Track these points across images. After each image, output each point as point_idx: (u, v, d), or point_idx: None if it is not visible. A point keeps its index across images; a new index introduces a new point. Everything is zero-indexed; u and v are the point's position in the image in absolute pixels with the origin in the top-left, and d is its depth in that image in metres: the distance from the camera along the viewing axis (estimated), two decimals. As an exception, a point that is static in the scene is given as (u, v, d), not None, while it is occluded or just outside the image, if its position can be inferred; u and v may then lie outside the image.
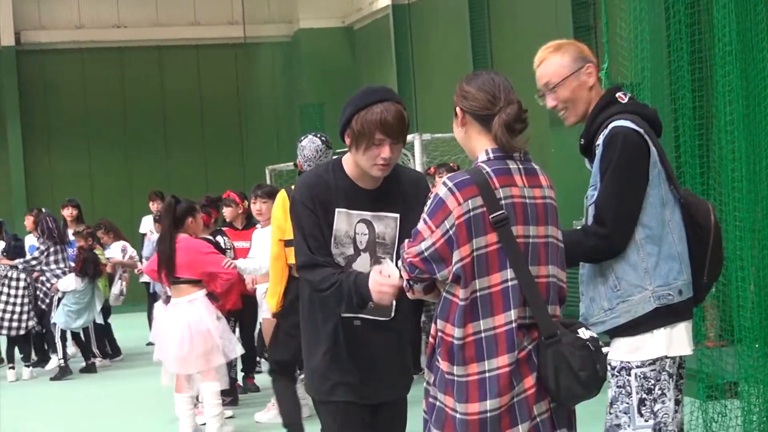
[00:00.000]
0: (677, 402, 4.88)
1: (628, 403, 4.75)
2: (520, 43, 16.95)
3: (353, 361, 4.99)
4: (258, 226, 11.04)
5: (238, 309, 11.44)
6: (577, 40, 5.48)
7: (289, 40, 25.12)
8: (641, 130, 4.73)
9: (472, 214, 4.17)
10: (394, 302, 4.90)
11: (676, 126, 9.03)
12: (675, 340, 4.75)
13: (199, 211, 10.11)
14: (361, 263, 4.93)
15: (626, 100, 4.89)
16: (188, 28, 25.13)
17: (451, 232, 4.18)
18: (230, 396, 11.17)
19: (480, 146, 4.34)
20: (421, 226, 4.26)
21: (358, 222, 4.93)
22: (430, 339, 4.37)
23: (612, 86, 5.02)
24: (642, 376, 4.73)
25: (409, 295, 4.40)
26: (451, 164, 12.50)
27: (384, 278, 4.62)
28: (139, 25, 24.98)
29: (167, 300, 9.99)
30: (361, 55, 23.95)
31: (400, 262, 4.36)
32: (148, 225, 17.62)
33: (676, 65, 9.32)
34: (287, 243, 8.16)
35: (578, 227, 5.03)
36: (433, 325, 4.33)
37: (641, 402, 4.73)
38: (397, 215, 4.96)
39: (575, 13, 15.22)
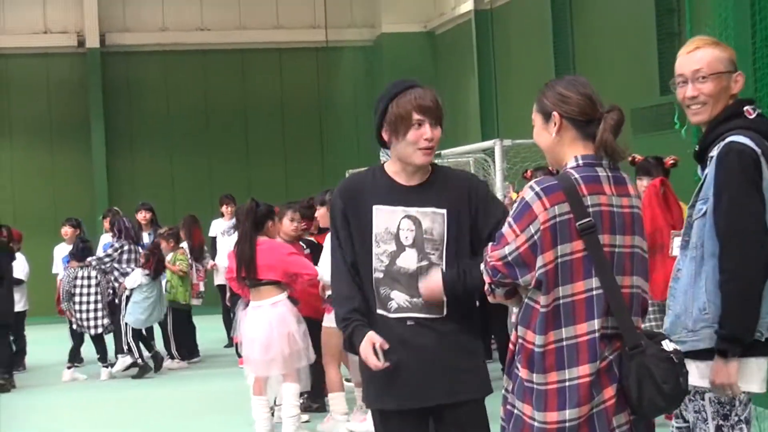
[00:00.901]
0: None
1: (705, 430, 4.60)
2: (603, 50, 16.85)
3: (401, 364, 4.78)
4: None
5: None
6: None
7: (371, 45, 25.16)
8: (758, 150, 4.49)
9: (558, 220, 4.13)
10: (445, 298, 4.80)
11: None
12: (745, 375, 4.52)
13: (277, 215, 10.13)
14: (406, 259, 4.83)
15: (753, 115, 4.64)
16: (271, 31, 25.22)
17: (535, 237, 4.14)
18: (317, 403, 11.18)
19: (571, 152, 4.29)
20: (505, 229, 4.22)
21: (403, 218, 4.85)
22: (510, 346, 4.33)
23: (743, 98, 4.76)
24: (716, 401, 4.57)
25: (489, 299, 4.37)
26: (549, 168, 12.33)
27: (371, 353, 4.69)
28: (223, 28, 25.11)
29: (245, 305, 10.03)
30: (442, 60, 23.92)
31: (482, 266, 4.32)
32: (218, 228, 17.59)
33: (761, 72, 9.20)
34: None
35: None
36: (513, 331, 4.29)
37: (718, 429, 4.57)
38: (444, 211, 4.86)
39: (659, 19, 15.09)
